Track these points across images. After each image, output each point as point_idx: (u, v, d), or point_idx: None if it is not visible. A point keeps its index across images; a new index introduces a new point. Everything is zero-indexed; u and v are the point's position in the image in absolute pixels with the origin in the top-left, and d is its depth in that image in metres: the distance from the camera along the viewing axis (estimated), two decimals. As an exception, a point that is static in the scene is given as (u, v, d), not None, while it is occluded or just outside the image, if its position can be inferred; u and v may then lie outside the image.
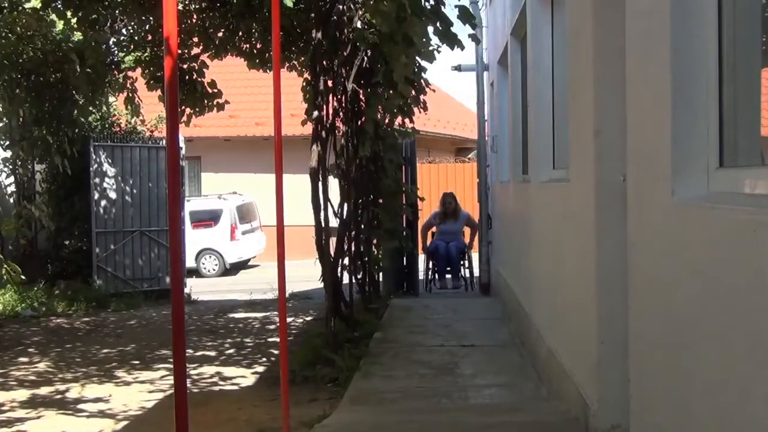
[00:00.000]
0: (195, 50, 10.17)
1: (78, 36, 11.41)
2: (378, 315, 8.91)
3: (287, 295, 5.13)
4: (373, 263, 9.77)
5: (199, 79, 10.31)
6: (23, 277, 11.03)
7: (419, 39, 6.53)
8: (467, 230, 13.03)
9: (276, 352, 7.92)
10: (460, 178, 19.51)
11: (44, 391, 6.98)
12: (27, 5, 10.65)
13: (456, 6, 6.62)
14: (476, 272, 12.55)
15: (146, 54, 10.47)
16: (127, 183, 13.64)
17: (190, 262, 18.22)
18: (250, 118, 20.85)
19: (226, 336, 9.67)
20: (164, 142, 9.21)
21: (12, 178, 14.23)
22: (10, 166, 14.01)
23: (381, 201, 9.64)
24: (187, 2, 9.64)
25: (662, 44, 2.56)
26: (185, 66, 10.00)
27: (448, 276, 12.60)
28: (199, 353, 8.42)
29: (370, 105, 7.94)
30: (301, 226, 11.19)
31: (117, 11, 9.58)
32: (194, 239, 18.35)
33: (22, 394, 6.91)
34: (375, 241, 9.70)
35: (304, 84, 9.33)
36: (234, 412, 6.01)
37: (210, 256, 19.39)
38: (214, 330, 10.14)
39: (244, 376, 7.33)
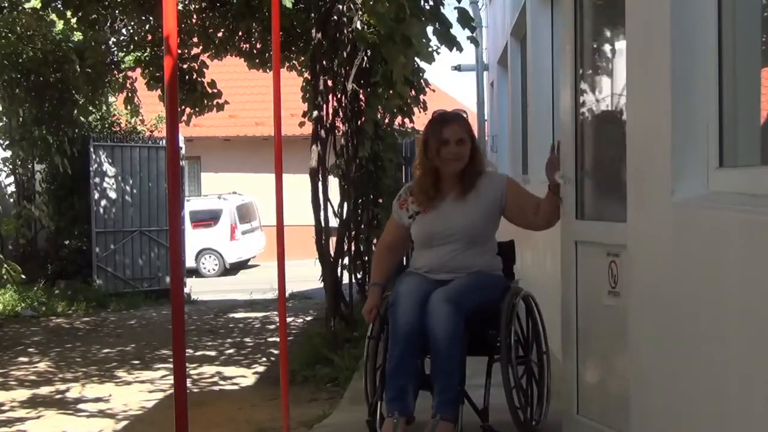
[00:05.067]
0: (195, 50, 10.17)
1: (78, 36, 11.42)
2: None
3: (287, 295, 5.13)
4: (373, 263, 9.75)
5: (199, 79, 10.31)
6: (23, 276, 11.08)
7: (418, 40, 6.54)
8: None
9: (276, 352, 7.92)
10: (460, 178, 19.47)
11: (44, 390, 6.99)
12: (27, 5, 10.65)
13: (455, 8, 6.63)
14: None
15: (146, 54, 10.47)
16: (127, 183, 13.64)
17: (190, 262, 18.21)
18: (250, 118, 20.84)
19: (226, 336, 9.67)
20: (164, 142, 9.22)
21: (12, 178, 14.23)
22: (10, 166, 14.01)
23: (381, 201, 9.65)
24: (187, 2, 9.64)
25: (662, 44, 2.56)
26: (185, 66, 10.00)
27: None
28: (199, 353, 8.42)
29: (369, 105, 7.95)
30: (301, 226, 11.19)
31: (117, 11, 9.58)
32: (194, 239, 18.34)
33: (22, 393, 6.91)
34: (375, 241, 9.70)
35: (304, 84, 9.35)
36: (234, 412, 6.01)
37: (210, 256, 19.39)
38: (214, 330, 10.14)
39: (244, 376, 7.33)
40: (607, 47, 3.68)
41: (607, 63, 3.70)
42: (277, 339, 6.51)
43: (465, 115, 3.85)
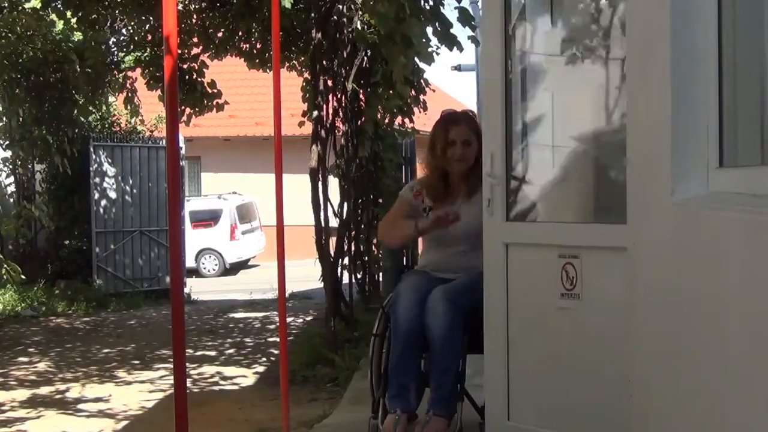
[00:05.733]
0: (195, 50, 10.18)
1: (78, 36, 11.42)
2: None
3: (287, 295, 5.14)
4: (373, 263, 9.77)
5: (199, 79, 10.31)
6: (23, 277, 11.07)
7: (418, 40, 6.55)
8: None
9: (276, 352, 7.92)
10: (460, 178, 19.47)
11: (44, 390, 6.99)
12: (27, 5, 10.65)
13: (456, 8, 6.64)
14: None
15: (146, 54, 10.47)
16: (127, 183, 13.65)
17: (190, 262, 18.22)
18: (250, 118, 20.85)
19: (226, 336, 9.68)
20: (164, 142, 9.22)
21: (12, 178, 14.24)
22: (10, 166, 14.01)
23: (381, 201, 9.65)
24: (187, 2, 9.64)
25: (662, 44, 2.56)
26: (185, 66, 10.01)
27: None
28: (199, 353, 8.43)
29: (369, 105, 7.96)
30: (301, 226, 11.19)
31: (117, 11, 9.59)
32: (194, 239, 18.35)
33: (22, 393, 6.91)
34: (375, 241, 9.71)
35: (304, 84, 9.35)
36: (234, 412, 6.02)
37: (210, 256, 19.40)
38: (214, 330, 10.15)
39: (244, 376, 7.34)
40: (538, 40, 3.66)
41: (541, 60, 3.68)
42: (277, 339, 6.52)
43: (473, 116, 3.84)
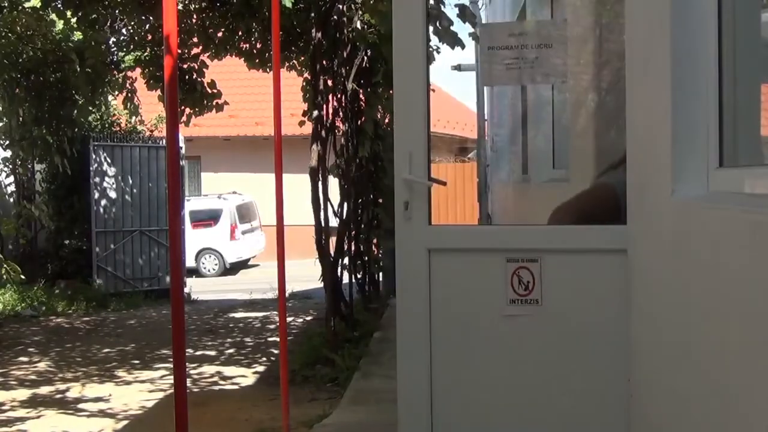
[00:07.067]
0: (195, 50, 10.18)
1: (78, 36, 11.41)
2: (378, 315, 8.91)
3: (287, 295, 5.14)
4: (373, 263, 9.77)
5: (199, 79, 10.31)
6: (23, 276, 11.07)
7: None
8: None
9: (276, 352, 7.92)
10: (460, 178, 19.50)
11: (44, 390, 6.99)
12: (27, 5, 10.65)
13: (456, 5, 6.65)
14: None
15: (146, 54, 10.47)
16: (127, 183, 13.65)
17: (190, 262, 18.22)
18: (250, 117, 20.86)
19: (226, 336, 9.68)
20: (164, 142, 9.22)
21: (12, 178, 14.24)
22: (10, 166, 14.01)
23: (381, 201, 9.66)
24: (187, 2, 9.64)
25: (662, 44, 2.56)
26: (185, 66, 10.00)
27: None
28: (199, 353, 8.43)
29: (369, 105, 7.96)
30: (301, 226, 11.19)
31: (117, 11, 9.59)
32: (194, 239, 18.34)
33: (23, 393, 6.92)
34: (375, 241, 9.70)
35: (304, 84, 9.35)
36: (234, 412, 6.02)
37: (210, 256, 19.40)
38: (214, 330, 10.15)
39: (244, 376, 7.34)
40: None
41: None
42: (277, 339, 6.52)
43: None
